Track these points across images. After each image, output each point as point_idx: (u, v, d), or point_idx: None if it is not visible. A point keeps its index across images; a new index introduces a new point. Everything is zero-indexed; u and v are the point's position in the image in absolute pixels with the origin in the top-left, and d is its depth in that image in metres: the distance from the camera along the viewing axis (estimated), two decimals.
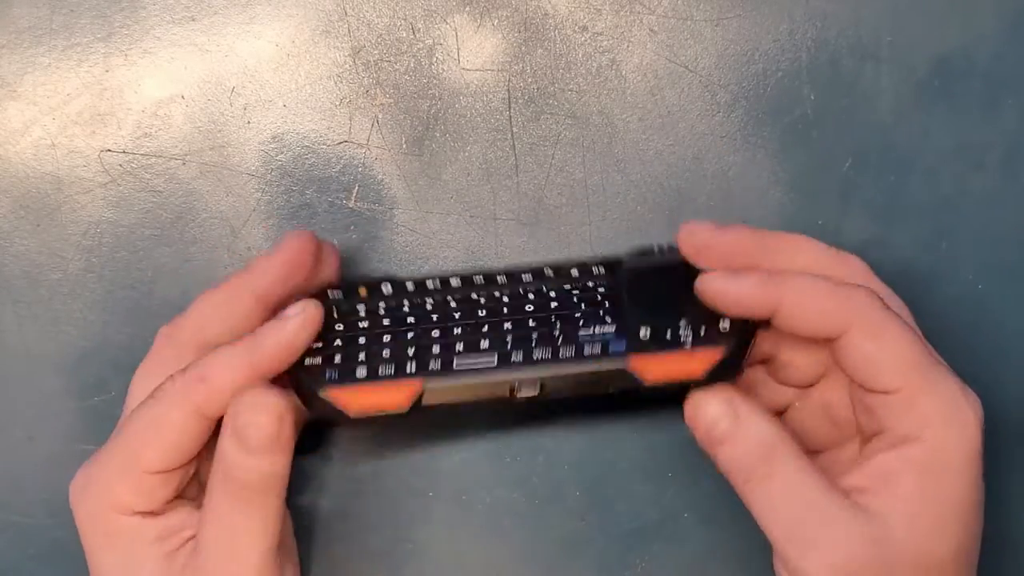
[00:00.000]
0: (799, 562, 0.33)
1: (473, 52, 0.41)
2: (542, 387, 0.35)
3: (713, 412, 0.34)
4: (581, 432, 0.42)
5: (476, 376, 0.35)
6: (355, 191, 0.41)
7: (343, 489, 0.41)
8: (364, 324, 0.36)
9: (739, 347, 0.35)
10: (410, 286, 0.36)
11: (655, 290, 0.36)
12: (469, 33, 0.41)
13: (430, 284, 0.36)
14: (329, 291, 0.36)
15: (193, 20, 0.41)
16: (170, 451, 0.34)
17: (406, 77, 0.41)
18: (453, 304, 0.36)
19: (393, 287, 0.36)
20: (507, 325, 0.36)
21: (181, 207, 0.41)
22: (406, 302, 0.36)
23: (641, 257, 0.37)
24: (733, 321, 0.35)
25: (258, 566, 0.34)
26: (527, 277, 0.36)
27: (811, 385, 0.38)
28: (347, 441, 0.41)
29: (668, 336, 0.35)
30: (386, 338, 0.36)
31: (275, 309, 0.35)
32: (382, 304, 0.36)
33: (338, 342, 0.35)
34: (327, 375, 0.35)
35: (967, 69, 0.41)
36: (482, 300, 0.36)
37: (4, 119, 0.41)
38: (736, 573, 0.41)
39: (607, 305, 0.36)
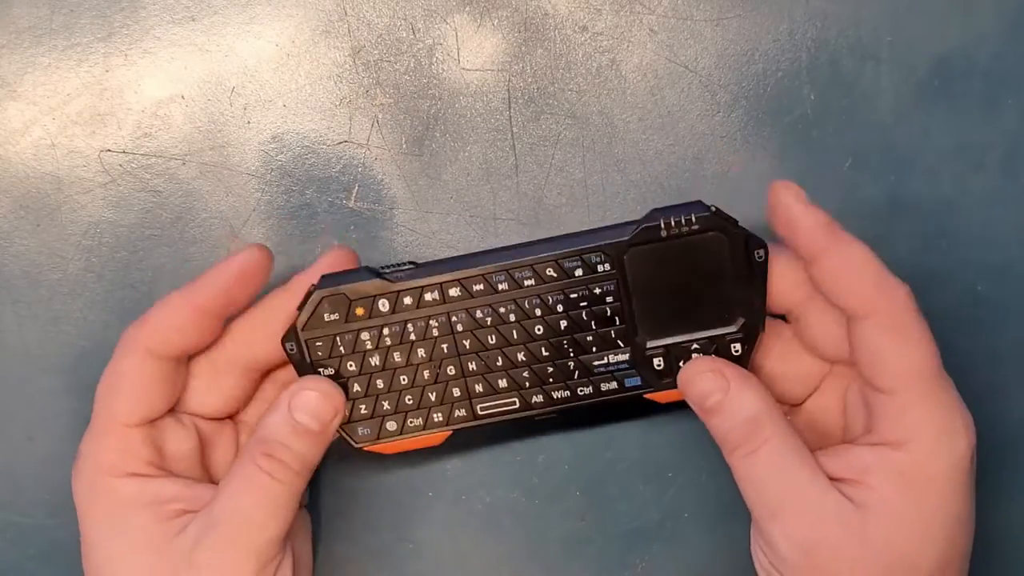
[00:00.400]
0: (771, 534, 0.33)
1: (473, 52, 0.41)
2: (559, 413, 0.37)
3: (706, 383, 0.35)
4: (581, 432, 0.42)
5: (500, 419, 0.37)
6: (355, 191, 0.41)
7: (344, 489, 0.42)
8: (375, 361, 0.36)
9: (746, 356, 0.36)
10: (408, 300, 0.36)
11: (663, 288, 0.36)
12: (469, 33, 0.41)
13: (428, 296, 0.36)
14: (314, 288, 0.35)
15: (193, 20, 0.41)
16: (135, 398, 0.35)
17: (406, 77, 0.41)
18: (460, 328, 0.36)
19: (391, 303, 0.36)
20: (521, 356, 0.36)
21: (181, 207, 0.41)
22: (411, 328, 0.36)
23: (646, 241, 0.35)
24: (745, 334, 0.36)
25: (260, 549, 0.34)
26: (529, 282, 0.36)
27: (802, 403, 0.38)
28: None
29: (682, 367, 0.36)
30: (403, 379, 0.36)
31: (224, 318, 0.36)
32: (386, 332, 0.36)
33: (356, 387, 0.36)
34: (361, 433, 0.37)
35: (967, 69, 0.41)
36: (488, 321, 0.36)
37: (4, 119, 0.41)
38: (736, 573, 0.41)
39: (617, 322, 0.36)
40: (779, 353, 0.37)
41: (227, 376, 0.37)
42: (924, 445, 0.33)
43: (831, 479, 0.33)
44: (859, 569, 0.32)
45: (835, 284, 0.34)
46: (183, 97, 0.41)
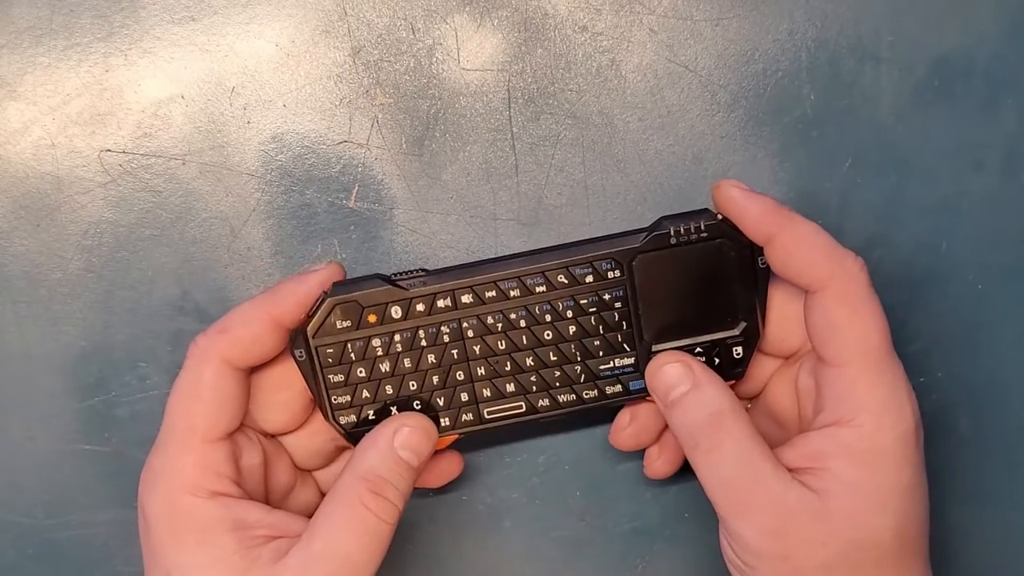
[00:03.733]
0: (740, 530, 0.34)
1: (473, 52, 0.41)
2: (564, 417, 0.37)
3: (672, 376, 0.36)
4: (581, 432, 0.42)
5: (507, 423, 0.37)
6: (355, 191, 0.41)
7: None
8: (385, 367, 0.36)
9: (746, 358, 0.37)
10: (420, 307, 0.36)
11: (670, 294, 0.36)
12: (469, 33, 0.41)
13: (440, 303, 0.36)
14: (326, 295, 0.35)
15: (193, 20, 0.41)
16: (215, 410, 0.34)
17: (406, 77, 0.41)
18: (471, 334, 0.36)
19: (403, 310, 0.36)
20: (529, 361, 0.36)
21: (181, 207, 0.41)
22: (422, 334, 0.36)
23: (655, 248, 0.36)
24: (746, 337, 0.36)
25: None
26: (540, 288, 0.36)
27: (760, 393, 0.39)
28: None
29: None
30: (412, 384, 0.36)
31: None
32: (397, 338, 0.36)
33: (365, 393, 0.36)
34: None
35: (967, 69, 0.41)
36: (499, 326, 0.36)
37: (4, 119, 0.41)
38: None
39: (624, 327, 0.36)
40: None
41: (299, 397, 0.37)
42: (872, 418, 0.34)
43: (790, 471, 0.34)
44: (827, 548, 0.33)
45: (790, 260, 0.35)
46: (183, 97, 0.41)
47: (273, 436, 0.38)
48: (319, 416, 0.38)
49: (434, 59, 0.41)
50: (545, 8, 0.41)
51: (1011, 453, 0.43)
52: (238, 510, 0.34)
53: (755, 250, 0.36)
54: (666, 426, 0.38)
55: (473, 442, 0.42)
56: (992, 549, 0.43)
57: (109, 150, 0.41)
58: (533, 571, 0.42)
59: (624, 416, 0.39)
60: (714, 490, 0.34)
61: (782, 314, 0.37)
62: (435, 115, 0.41)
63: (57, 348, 0.41)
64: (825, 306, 0.34)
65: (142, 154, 0.41)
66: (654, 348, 0.36)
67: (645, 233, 0.36)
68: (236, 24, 0.41)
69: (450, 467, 0.39)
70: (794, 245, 0.34)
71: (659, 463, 0.40)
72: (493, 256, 0.37)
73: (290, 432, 0.38)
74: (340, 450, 0.39)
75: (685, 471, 0.42)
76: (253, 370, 0.36)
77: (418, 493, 0.41)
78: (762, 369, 0.39)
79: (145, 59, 0.41)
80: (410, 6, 0.41)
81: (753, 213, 0.35)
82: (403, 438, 0.35)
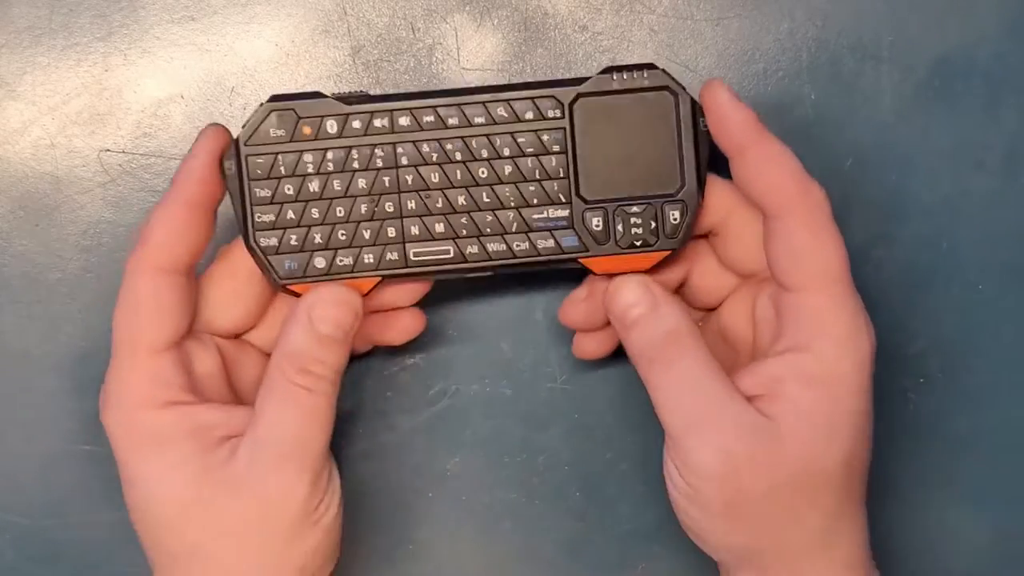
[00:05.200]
0: (688, 446, 0.34)
1: (473, 52, 0.41)
2: (493, 271, 0.37)
3: (630, 296, 0.36)
4: (581, 432, 0.42)
5: (432, 268, 0.36)
6: None
7: (344, 490, 0.41)
8: (314, 186, 0.35)
9: (684, 227, 0.36)
10: (356, 124, 0.35)
11: (609, 145, 0.36)
12: (469, 33, 0.41)
13: (378, 123, 0.35)
14: (262, 104, 0.35)
15: (193, 20, 0.41)
16: (158, 320, 0.34)
17: (406, 77, 0.41)
18: (405, 161, 0.35)
19: (339, 125, 0.35)
20: (461, 199, 0.36)
21: None
22: (355, 155, 0.35)
23: (597, 93, 0.36)
24: (685, 201, 0.36)
25: (312, 462, 0.34)
26: (479, 119, 0.35)
27: (713, 309, 0.39)
28: (347, 442, 0.41)
29: (620, 232, 0.36)
30: (339, 210, 0.35)
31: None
32: (329, 156, 0.35)
33: (290, 214, 0.35)
34: (287, 266, 0.36)
35: (967, 69, 0.41)
36: (434, 156, 0.35)
37: (3, 119, 0.41)
38: None
39: (560, 175, 0.36)
40: (695, 267, 0.38)
41: (247, 286, 0.37)
42: (830, 344, 0.34)
43: (746, 398, 0.34)
44: (775, 472, 0.33)
45: (758, 177, 0.35)
46: (183, 97, 0.41)
47: (235, 337, 0.38)
48: (275, 306, 0.38)
49: (434, 59, 0.41)
50: (545, 8, 0.41)
51: (1011, 453, 0.43)
52: (195, 415, 0.34)
53: (696, 109, 0.36)
54: None
55: (469, 438, 0.42)
56: (992, 550, 0.43)
57: (108, 150, 0.41)
58: (533, 572, 0.42)
59: (582, 289, 0.38)
60: (667, 406, 0.34)
61: (745, 230, 0.37)
62: None
63: (57, 348, 0.41)
64: (788, 230, 0.34)
65: (141, 154, 0.41)
66: (588, 199, 0.36)
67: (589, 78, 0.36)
68: (236, 24, 0.41)
69: (413, 324, 0.39)
70: (765, 162, 0.34)
71: (591, 341, 0.39)
72: (439, 89, 0.37)
73: (250, 330, 0.38)
74: None
75: None
76: (201, 280, 0.36)
77: (415, 491, 0.42)
78: (720, 282, 0.38)
79: (144, 59, 0.41)
80: (410, 6, 0.41)
81: (734, 120, 0.34)
82: (320, 312, 0.35)
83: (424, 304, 0.39)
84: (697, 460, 0.34)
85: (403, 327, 0.39)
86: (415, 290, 0.38)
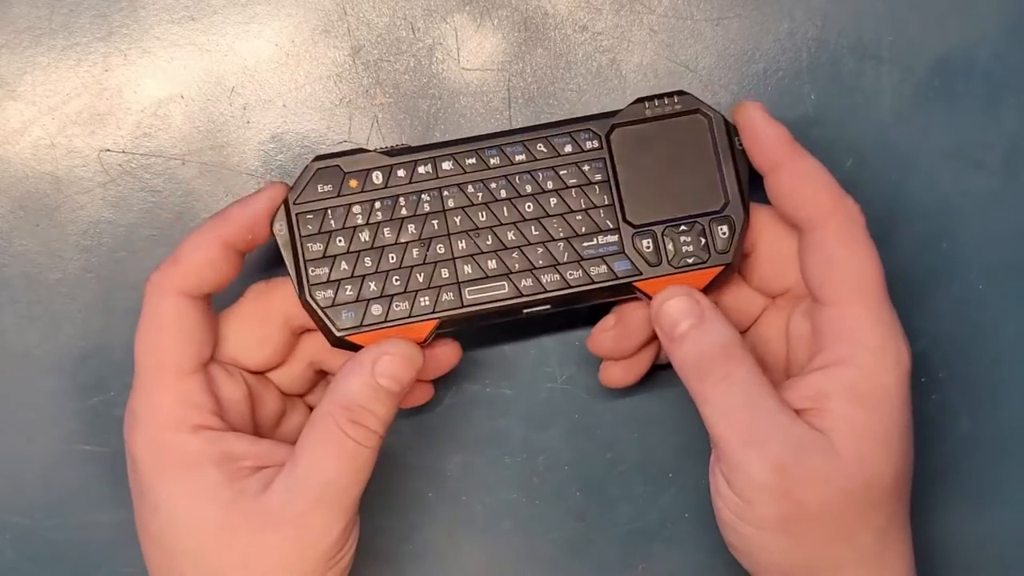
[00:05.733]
0: (744, 460, 0.33)
1: (473, 52, 0.41)
2: (550, 305, 0.37)
3: (679, 310, 0.35)
4: (581, 432, 0.42)
5: (488, 305, 0.36)
6: None
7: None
8: (364, 237, 0.36)
9: (733, 242, 0.37)
10: (401, 173, 0.36)
11: (650, 169, 0.37)
12: (469, 33, 0.41)
13: (422, 170, 0.36)
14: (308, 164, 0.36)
15: (193, 20, 0.41)
16: (181, 343, 0.34)
17: (406, 77, 0.41)
18: (452, 204, 0.36)
19: (384, 176, 0.36)
20: (511, 236, 0.36)
21: (180, 207, 0.41)
22: (403, 203, 0.36)
23: (631, 122, 0.37)
24: (731, 217, 0.36)
25: (348, 509, 0.34)
26: (520, 157, 0.36)
27: (748, 328, 0.39)
28: None
29: (671, 252, 0.36)
30: (391, 258, 0.36)
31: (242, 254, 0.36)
32: (378, 206, 0.36)
33: (344, 265, 0.36)
34: (344, 317, 0.36)
35: (967, 69, 0.41)
36: (479, 197, 0.36)
37: (3, 119, 0.41)
38: (736, 574, 0.41)
39: (606, 202, 0.36)
40: (726, 288, 0.38)
41: (280, 332, 0.37)
42: (871, 358, 0.34)
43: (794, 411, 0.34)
44: (830, 486, 0.33)
45: (793, 192, 0.35)
46: (183, 97, 0.41)
47: (258, 373, 0.38)
48: (300, 347, 0.38)
49: (434, 59, 0.41)
50: (545, 8, 0.41)
51: (1011, 453, 0.43)
52: (222, 442, 0.34)
53: (731, 128, 0.36)
54: (648, 339, 0.38)
55: (469, 438, 0.42)
56: (992, 550, 0.43)
57: (108, 150, 0.41)
58: (533, 572, 0.42)
59: (610, 317, 0.38)
60: (722, 420, 0.34)
61: (774, 250, 0.37)
62: (435, 115, 0.41)
63: (57, 348, 0.41)
64: (824, 244, 0.34)
65: (141, 154, 0.41)
66: (636, 224, 0.36)
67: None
68: (236, 24, 0.41)
69: (448, 357, 0.38)
70: (799, 177, 0.35)
71: (617, 369, 0.39)
72: (476, 135, 0.37)
73: (274, 368, 0.38)
74: (322, 374, 0.39)
75: (685, 472, 0.42)
76: (231, 315, 0.36)
77: (415, 491, 0.42)
78: (751, 304, 0.38)
79: (145, 59, 0.41)
80: (410, 6, 0.41)
81: (767, 137, 0.35)
82: (383, 366, 0.35)
83: None
84: (753, 473, 0.33)
85: (439, 362, 0.38)
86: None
